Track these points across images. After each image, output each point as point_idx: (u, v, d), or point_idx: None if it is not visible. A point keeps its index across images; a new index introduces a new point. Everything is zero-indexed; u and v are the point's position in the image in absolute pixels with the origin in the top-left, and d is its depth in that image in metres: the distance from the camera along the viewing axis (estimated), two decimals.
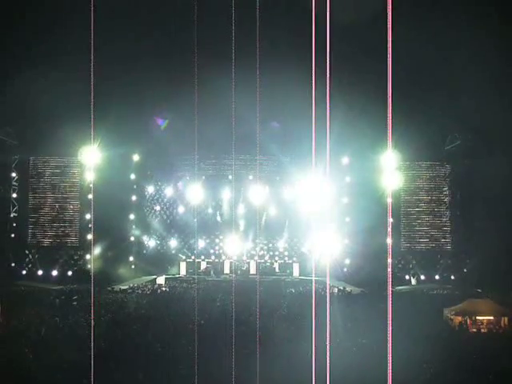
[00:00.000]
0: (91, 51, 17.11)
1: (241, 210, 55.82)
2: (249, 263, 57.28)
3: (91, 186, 45.71)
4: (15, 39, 39.32)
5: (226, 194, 56.91)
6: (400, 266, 51.02)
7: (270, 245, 58.23)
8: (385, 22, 14.71)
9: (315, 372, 14.79)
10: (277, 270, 57.72)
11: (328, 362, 14.39)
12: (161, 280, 50.02)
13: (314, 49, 15.87)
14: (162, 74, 41.61)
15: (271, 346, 21.21)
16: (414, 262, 51.39)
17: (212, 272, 56.12)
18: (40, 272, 50.36)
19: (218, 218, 57.64)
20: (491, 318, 29.91)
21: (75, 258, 51.26)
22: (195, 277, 51.29)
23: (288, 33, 38.39)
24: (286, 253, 58.06)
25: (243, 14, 20.81)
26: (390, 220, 42.61)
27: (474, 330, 29.28)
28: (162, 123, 48.45)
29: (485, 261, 43.69)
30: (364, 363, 18.82)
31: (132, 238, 54.70)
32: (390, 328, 14.24)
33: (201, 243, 57.48)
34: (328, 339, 14.96)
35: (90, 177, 47.93)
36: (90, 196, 47.18)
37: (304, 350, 16.22)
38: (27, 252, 51.45)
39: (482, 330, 29.08)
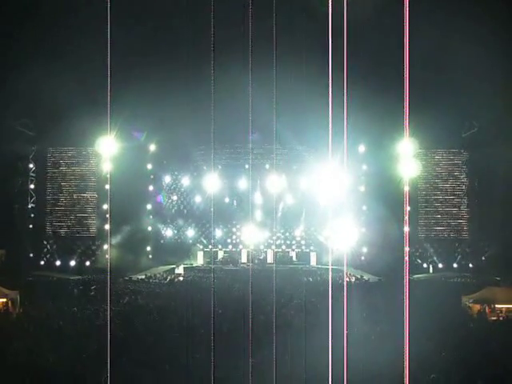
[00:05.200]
0: (108, 42, 17.08)
1: (257, 199, 55.77)
2: (266, 252, 57.35)
3: (108, 176, 45.81)
4: (32, 30, 39.37)
5: (243, 183, 56.89)
6: (417, 254, 50.91)
7: (287, 234, 58.27)
8: (402, 10, 14.62)
9: (332, 360, 14.77)
10: (294, 258, 57.80)
11: (345, 350, 14.37)
12: (180, 270, 50.33)
13: (330, 36, 15.79)
14: (178, 63, 41.54)
15: (289, 334, 21.20)
16: (432, 250, 51.22)
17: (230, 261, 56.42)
18: (58, 262, 50.73)
19: (235, 208, 57.67)
20: (510, 305, 29.71)
21: (93, 248, 51.61)
22: (212, 266, 51.35)
23: (305, 19, 38.22)
24: (303, 242, 58.09)
25: (260, 6, 20.73)
26: (408, 208, 42.42)
27: (493, 318, 29.06)
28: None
29: (503, 248, 43.47)
30: (382, 351, 18.75)
31: (149, 228, 54.89)
32: (407, 316, 14.18)
33: (218, 232, 57.60)
34: (345, 327, 14.94)
35: (106, 167, 47.92)
36: (107, 186, 47.27)
37: (322, 338, 16.20)
38: (45, 242, 51.82)
39: (501, 318, 28.89)
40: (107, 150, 45.64)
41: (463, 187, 51.73)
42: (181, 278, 45.63)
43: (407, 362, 13.71)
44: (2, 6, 37.39)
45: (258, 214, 55.90)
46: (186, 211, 58.67)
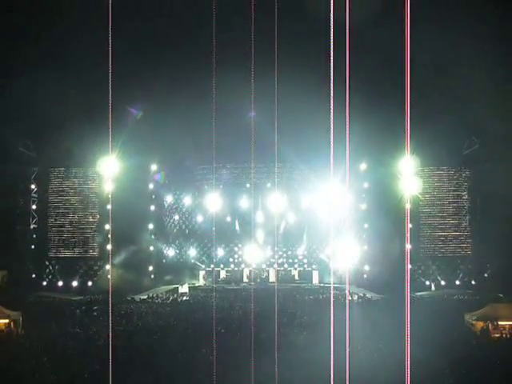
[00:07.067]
0: (109, 63, 17.19)
1: (259, 218, 55.78)
2: (268, 271, 57.33)
3: (110, 196, 45.74)
4: (34, 53, 39.59)
5: (244, 202, 56.90)
6: (420, 271, 50.77)
7: (289, 252, 58.19)
8: (402, 28, 14.70)
9: (334, 378, 14.73)
10: (296, 277, 57.74)
11: (347, 368, 14.33)
12: (182, 289, 50.27)
13: (332, 56, 15.87)
14: (179, 83, 41.76)
15: (291, 353, 21.13)
16: (434, 268, 51.08)
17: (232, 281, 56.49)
18: (60, 283, 50.63)
19: (237, 227, 57.62)
20: None
21: (95, 268, 51.47)
22: (214, 285, 51.30)
23: (306, 41, 38.45)
24: (305, 260, 58.01)
25: (261, 24, 20.90)
26: (409, 226, 42.39)
27: (496, 335, 28.93)
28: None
29: (505, 265, 43.34)
30: (384, 368, 18.71)
31: (151, 248, 54.76)
32: (407, 334, 14.17)
33: (220, 252, 57.58)
34: (347, 345, 14.90)
35: (108, 187, 47.86)
36: (109, 206, 47.18)
37: (324, 356, 16.17)
38: (47, 263, 51.74)
39: (505, 335, 28.77)
40: (109, 170, 45.66)
41: (465, 204, 51.63)
42: (183, 298, 45.59)
43: (409, 379, 13.67)
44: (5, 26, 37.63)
45: (260, 233, 55.96)
46: (187, 231, 58.65)
